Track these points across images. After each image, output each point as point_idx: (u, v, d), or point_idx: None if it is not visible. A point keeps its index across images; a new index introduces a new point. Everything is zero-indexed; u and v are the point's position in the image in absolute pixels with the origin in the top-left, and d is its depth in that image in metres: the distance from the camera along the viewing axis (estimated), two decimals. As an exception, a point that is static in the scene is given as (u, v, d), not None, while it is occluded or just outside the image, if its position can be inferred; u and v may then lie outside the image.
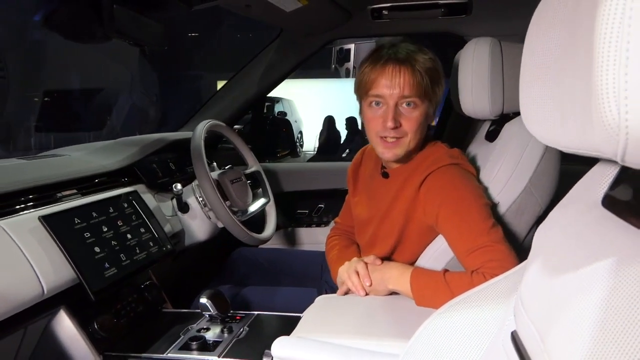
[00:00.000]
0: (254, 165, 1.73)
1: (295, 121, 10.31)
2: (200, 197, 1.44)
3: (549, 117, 0.40)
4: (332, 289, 1.33)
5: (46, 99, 7.74)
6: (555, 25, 0.39)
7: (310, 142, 10.21)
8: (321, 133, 8.18)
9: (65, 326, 0.99)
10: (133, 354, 1.02)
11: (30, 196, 1.07)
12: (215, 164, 1.65)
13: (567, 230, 0.49)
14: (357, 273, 1.09)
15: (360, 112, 1.14)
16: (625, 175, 0.45)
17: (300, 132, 10.65)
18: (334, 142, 7.88)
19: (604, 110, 0.29)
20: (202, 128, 1.46)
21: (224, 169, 1.57)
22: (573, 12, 0.36)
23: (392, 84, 1.03)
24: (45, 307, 0.95)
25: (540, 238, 0.55)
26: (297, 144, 10.09)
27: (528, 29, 0.45)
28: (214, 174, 1.47)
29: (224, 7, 1.40)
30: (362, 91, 1.10)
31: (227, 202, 1.43)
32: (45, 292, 0.92)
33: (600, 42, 0.29)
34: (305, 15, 1.57)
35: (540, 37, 0.42)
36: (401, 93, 1.03)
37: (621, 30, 0.28)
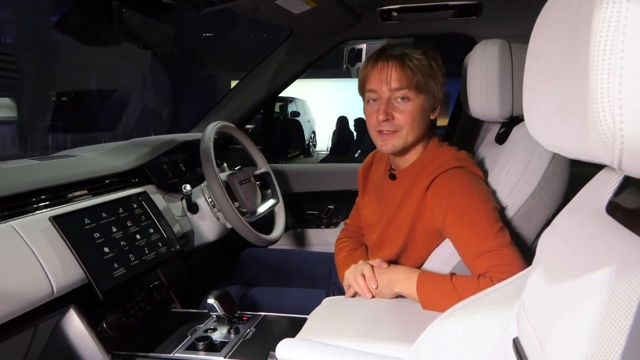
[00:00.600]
0: (263, 166, 1.74)
1: (309, 121, 10.33)
2: (209, 198, 1.45)
3: (551, 122, 0.40)
4: (340, 290, 1.33)
5: (63, 98, 7.82)
6: (558, 29, 0.39)
7: (324, 142, 10.22)
8: (334, 133, 8.17)
9: (74, 325, 1.01)
10: (141, 354, 1.03)
11: (42, 196, 1.09)
12: (225, 164, 1.66)
13: (571, 237, 0.48)
14: (364, 276, 1.09)
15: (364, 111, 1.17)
16: (630, 182, 0.44)
17: (314, 132, 10.66)
18: (346, 143, 7.86)
19: (600, 119, 0.29)
20: (211, 129, 1.47)
21: (234, 170, 1.58)
22: (575, 17, 0.35)
23: (380, 78, 1.08)
24: (55, 306, 0.96)
25: (544, 244, 0.54)
26: (310, 143, 10.11)
27: (532, 33, 0.44)
28: (223, 175, 1.48)
29: (234, 9, 1.40)
30: (360, 89, 1.15)
31: (235, 203, 1.44)
32: (55, 291, 0.93)
33: (595, 50, 0.29)
34: (314, 17, 1.57)
35: (543, 41, 0.41)
36: (389, 86, 1.07)
37: (616, 38, 0.27)
